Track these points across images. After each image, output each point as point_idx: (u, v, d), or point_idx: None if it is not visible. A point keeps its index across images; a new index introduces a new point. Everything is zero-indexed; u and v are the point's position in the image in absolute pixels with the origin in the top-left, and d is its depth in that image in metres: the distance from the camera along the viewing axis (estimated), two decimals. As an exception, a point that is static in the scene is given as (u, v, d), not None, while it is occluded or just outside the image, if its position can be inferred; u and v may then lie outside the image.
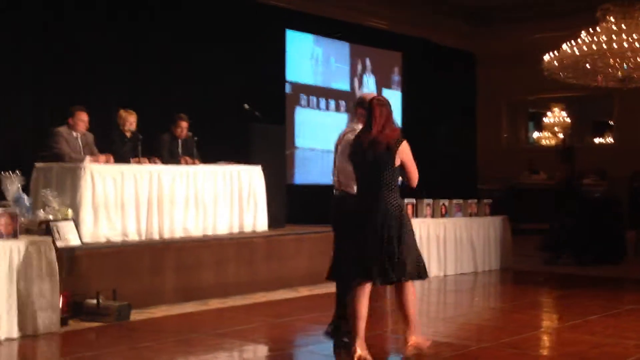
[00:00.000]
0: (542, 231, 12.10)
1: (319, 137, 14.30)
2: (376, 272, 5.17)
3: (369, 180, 5.26)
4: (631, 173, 15.95)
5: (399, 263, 5.19)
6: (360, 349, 5.20)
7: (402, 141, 5.25)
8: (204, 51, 12.03)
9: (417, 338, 5.46)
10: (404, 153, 5.25)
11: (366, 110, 5.37)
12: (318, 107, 14.62)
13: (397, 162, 5.22)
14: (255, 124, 9.73)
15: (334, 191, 5.86)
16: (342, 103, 15.09)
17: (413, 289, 5.40)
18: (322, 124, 14.55)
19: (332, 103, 14.91)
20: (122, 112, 8.66)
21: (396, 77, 16.52)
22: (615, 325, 6.70)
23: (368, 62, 15.80)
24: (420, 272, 5.39)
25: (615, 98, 17.78)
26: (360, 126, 5.55)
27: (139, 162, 8.24)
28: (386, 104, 5.33)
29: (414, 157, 5.35)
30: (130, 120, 8.60)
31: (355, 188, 5.52)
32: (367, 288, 5.24)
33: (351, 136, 5.56)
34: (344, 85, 15.21)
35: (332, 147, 5.99)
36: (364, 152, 5.23)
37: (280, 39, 13.89)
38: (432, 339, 5.79)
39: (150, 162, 8.38)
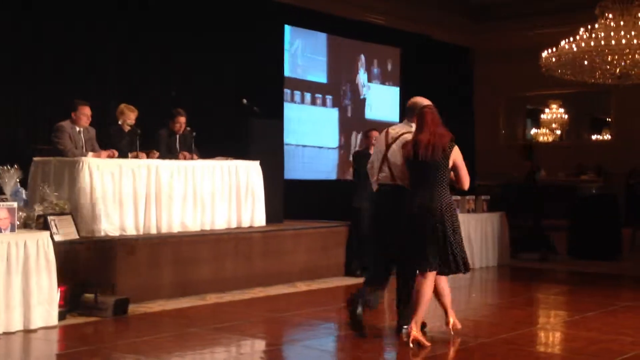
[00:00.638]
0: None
1: (296, 132, 14.11)
2: (436, 263, 5.72)
3: (425, 179, 5.72)
4: (628, 170, 15.98)
5: (453, 254, 5.76)
6: (416, 330, 5.62)
7: (454, 145, 5.78)
8: (201, 46, 12.03)
9: (455, 319, 6.06)
10: (457, 156, 5.80)
11: (417, 116, 5.86)
12: (293, 100, 14.38)
13: (450, 164, 5.75)
14: (253, 119, 9.72)
15: (379, 186, 6.12)
16: (319, 97, 14.91)
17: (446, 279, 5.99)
18: (298, 118, 14.33)
19: (307, 96, 14.69)
20: (124, 107, 8.63)
21: (390, 71, 16.53)
22: (612, 322, 6.71)
23: (363, 57, 15.78)
24: (467, 265, 5.90)
25: (613, 95, 17.79)
26: (414, 127, 5.96)
27: (137, 157, 8.23)
28: (436, 111, 5.85)
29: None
30: (130, 117, 8.58)
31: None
32: (431, 276, 5.76)
33: (409, 136, 5.94)
34: (322, 79, 15.03)
35: (309, 142, 6.15)
36: (421, 155, 5.68)
37: (279, 34, 13.88)
38: (430, 334, 5.81)
39: (148, 156, 8.37)
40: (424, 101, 6.07)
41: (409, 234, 5.74)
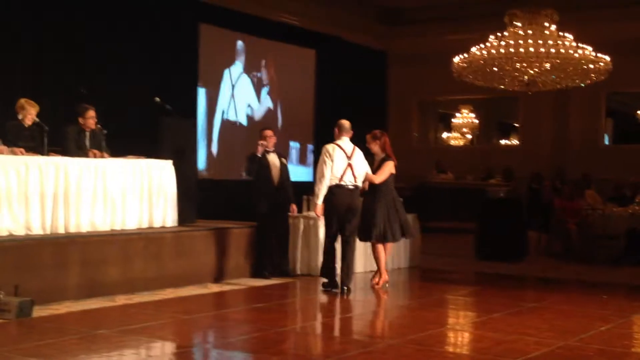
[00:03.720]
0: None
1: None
2: (398, 234, 8.77)
3: (392, 183, 8.82)
4: (530, 174, 16.48)
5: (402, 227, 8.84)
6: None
7: None
8: (113, 42, 11.81)
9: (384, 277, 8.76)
10: None
11: (386, 142, 8.83)
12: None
13: None
14: (166, 118, 9.57)
15: (348, 186, 8.43)
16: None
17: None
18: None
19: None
20: (24, 102, 8.28)
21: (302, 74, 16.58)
22: (517, 323, 6.89)
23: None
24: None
25: (521, 101, 18.31)
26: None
27: (21, 153, 7.77)
28: None
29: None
30: (31, 112, 8.24)
31: None
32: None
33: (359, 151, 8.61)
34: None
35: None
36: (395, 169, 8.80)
37: (193, 32, 13.74)
38: (339, 336, 5.83)
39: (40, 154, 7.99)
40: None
41: (383, 215, 8.57)
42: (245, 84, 15.14)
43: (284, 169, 9.53)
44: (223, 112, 14.61)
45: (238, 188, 13.96)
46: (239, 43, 14.93)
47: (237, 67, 14.93)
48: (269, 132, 9.58)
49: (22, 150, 7.76)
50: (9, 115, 8.29)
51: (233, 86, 14.86)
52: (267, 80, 15.57)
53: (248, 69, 15.13)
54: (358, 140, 8.71)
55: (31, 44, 10.88)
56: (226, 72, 14.65)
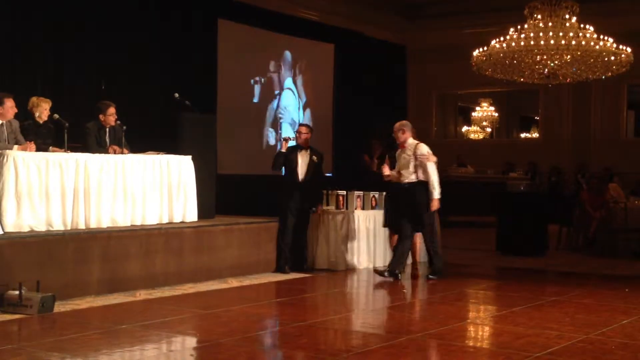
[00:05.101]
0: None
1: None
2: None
3: None
4: (549, 168, 16.39)
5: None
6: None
7: None
8: (132, 39, 11.85)
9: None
10: None
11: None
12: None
13: None
14: (185, 114, 9.60)
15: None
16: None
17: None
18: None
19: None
20: (37, 100, 8.34)
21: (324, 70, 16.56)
22: (538, 317, 6.85)
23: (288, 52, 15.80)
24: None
25: (541, 94, 18.20)
26: None
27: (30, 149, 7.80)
28: None
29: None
30: (44, 107, 8.29)
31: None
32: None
33: None
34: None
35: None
36: None
37: (212, 28, 13.76)
38: (360, 330, 5.83)
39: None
40: None
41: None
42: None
43: (313, 166, 9.48)
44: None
45: (257, 183, 14.05)
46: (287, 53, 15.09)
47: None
48: (302, 129, 9.61)
49: (32, 146, 7.74)
50: (29, 115, 8.35)
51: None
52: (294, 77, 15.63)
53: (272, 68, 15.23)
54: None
55: (52, 44, 10.96)
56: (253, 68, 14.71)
